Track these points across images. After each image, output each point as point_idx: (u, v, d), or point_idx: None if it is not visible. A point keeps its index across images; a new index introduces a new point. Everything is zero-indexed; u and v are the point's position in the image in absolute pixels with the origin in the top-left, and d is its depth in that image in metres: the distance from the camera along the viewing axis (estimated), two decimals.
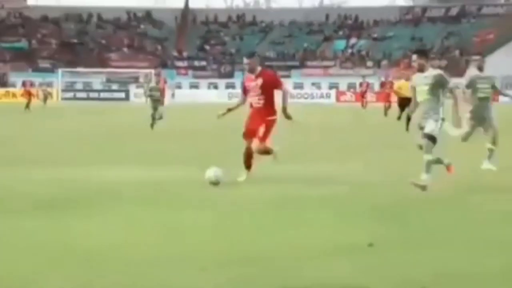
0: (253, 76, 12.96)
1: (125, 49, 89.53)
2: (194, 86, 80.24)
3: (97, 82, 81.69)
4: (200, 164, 12.83)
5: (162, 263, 7.19)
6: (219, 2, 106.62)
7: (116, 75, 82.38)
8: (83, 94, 78.25)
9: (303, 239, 8.36)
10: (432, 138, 11.70)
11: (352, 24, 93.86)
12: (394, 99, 36.24)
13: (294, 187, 12.44)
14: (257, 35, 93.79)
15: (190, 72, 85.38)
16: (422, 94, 11.92)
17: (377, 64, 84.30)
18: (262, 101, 12.84)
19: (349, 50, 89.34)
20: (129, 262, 7.23)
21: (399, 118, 30.33)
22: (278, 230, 8.90)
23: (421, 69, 12.04)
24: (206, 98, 70.95)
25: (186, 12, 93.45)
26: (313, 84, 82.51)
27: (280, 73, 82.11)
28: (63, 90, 77.38)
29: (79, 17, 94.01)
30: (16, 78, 78.36)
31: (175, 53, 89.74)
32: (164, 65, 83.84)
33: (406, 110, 26.74)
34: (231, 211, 10.17)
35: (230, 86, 79.98)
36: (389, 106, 40.28)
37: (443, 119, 11.83)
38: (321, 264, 7.14)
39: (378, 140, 23.92)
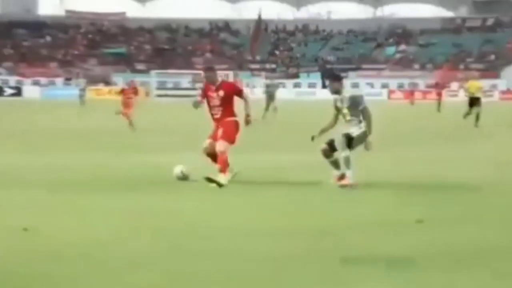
0: (213, 87, 11.19)
1: (208, 54, 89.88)
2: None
3: (184, 81, 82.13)
4: (278, 151, 12.83)
5: (242, 233, 7.23)
6: (288, 14, 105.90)
7: (200, 76, 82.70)
8: (172, 92, 78.74)
9: (361, 215, 8.35)
10: (349, 138, 10.44)
11: (401, 33, 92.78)
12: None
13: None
14: (319, 42, 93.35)
15: (262, 73, 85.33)
16: (346, 116, 10.66)
17: (423, 67, 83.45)
18: (221, 112, 11.11)
19: (398, 55, 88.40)
20: (213, 230, 7.29)
21: (466, 115, 26.47)
22: (341, 208, 8.90)
23: (336, 92, 10.74)
24: (276, 96, 70.70)
25: (259, 22, 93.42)
26: (367, 83, 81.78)
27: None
28: (156, 89, 77.96)
29: (170, 27, 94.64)
30: (117, 78, 79.32)
31: (249, 57, 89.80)
32: (240, 68, 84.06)
33: (474, 109, 26.41)
34: (302, 192, 10.19)
35: (296, 85, 79.93)
36: (440, 103, 41.70)
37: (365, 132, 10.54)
38: (376, 238, 7.11)
39: (428, 130, 23.68)
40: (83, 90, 51.50)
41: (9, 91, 74.00)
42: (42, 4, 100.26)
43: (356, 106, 10.58)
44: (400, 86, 78.73)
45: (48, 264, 5.96)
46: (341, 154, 10.48)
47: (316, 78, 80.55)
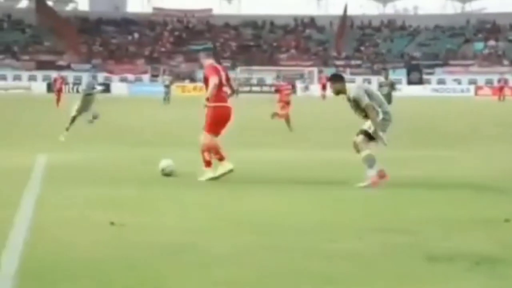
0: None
1: (293, 50, 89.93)
2: (351, 81, 79.78)
3: (269, 78, 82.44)
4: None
5: (321, 230, 7.22)
6: (373, 9, 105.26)
7: (285, 72, 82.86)
8: (257, 88, 79.16)
9: (445, 213, 8.24)
10: (367, 134, 10.19)
11: (490, 28, 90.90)
12: None
13: (436, 169, 12.24)
14: (405, 38, 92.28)
15: (347, 69, 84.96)
16: (358, 114, 10.39)
17: None
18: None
19: (487, 51, 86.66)
20: (292, 227, 7.30)
21: None
22: (425, 206, 8.80)
23: (339, 92, 10.43)
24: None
25: (344, 18, 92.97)
26: (454, 80, 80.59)
27: (425, 70, 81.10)
28: (241, 85, 78.48)
29: (255, 24, 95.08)
30: (203, 75, 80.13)
31: (334, 54, 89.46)
32: (325, 64, 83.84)
33: None
34: (384, 189, 10.11)
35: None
36: None
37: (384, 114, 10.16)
38: (461, 236, 7.01)
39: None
40: (167, 87, 51.77)
41: (98, 87, 75.62)
42: (131, 1, 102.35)
43: (359, 105, 10.23)
44: (489, 82, 77.26)
45: (132, 256, 6.08)
46: (361, 154, 10.20)
47: (402, 74, 79.75)
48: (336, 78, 10.70)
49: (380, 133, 10.14)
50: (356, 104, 10.27)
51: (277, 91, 22.65)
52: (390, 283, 5.44)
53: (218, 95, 11.01)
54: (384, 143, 10.24)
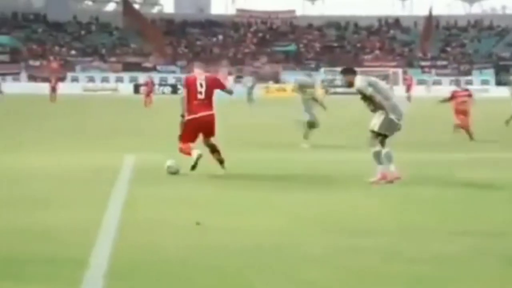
0: None
1: (377, 52, 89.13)
2: (437, 82, 78.46)
3: None
4: (446, 148, 12.53)
5: (405, 232, 7.16)
6: (459, 9, 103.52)
7: (369, 73, 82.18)
8: (341, 90, 78.80)
9: None
10: (375, 133, 10.65)
11: None
12: None
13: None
14: (493, 38, 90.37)
15: (433, 70, 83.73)
16: (367, 107, 10.92)
17: None
18: None
19: None
20: (377, 230, 7.26)
21: None
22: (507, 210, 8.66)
23: (350, 85, 11.00)
24: (448, 92, 69.33)
25: (430, 18, 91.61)
26: None
27: None
28: (325, 86, 78.18)
29: (339, 25, 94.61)
30: (287, 76, 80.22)
31: (420, 54, 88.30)
32: (410, 65, 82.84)
33: None
34: (465, 190, 9.96)
35: (468, 82, 77.82)
36: None
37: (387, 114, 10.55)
38: None
39: None
40: (251, 88, 52.45)
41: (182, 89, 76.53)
42: (215, 3, 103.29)
43: (365, 96, 10.68)
44: None
45: (218, 257, 6.16)
46: (371, 150, 10.65)
47: (490, 75, 78.13)
48: (347, 71, 11.22)
49: (391, 115, 10.53)
50: (363, 95, 10.71)
51: (452, 98, 19.66)
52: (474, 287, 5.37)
53: (189, 107, 11.75)
54: (398, 121, 10.63)
